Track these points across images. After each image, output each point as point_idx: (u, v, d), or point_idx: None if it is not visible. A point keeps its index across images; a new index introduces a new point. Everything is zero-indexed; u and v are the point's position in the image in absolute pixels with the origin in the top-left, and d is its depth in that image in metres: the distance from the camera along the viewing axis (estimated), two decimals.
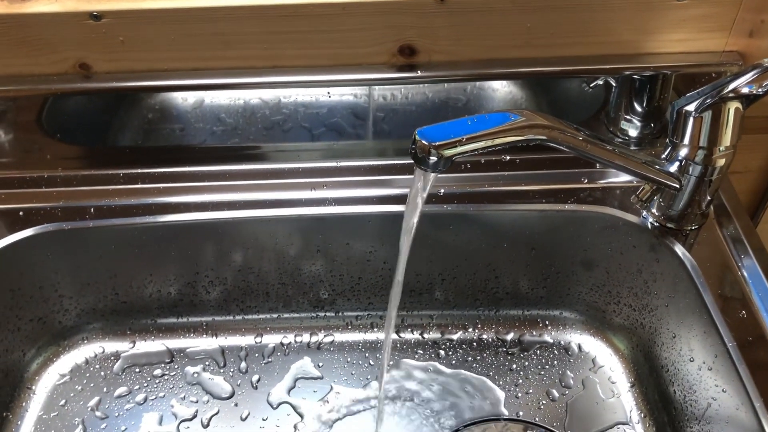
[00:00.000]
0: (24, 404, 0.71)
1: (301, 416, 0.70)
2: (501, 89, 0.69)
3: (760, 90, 0.54)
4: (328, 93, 0.67)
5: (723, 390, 0.57)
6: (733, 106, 0.56)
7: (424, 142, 0.47)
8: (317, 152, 0.72)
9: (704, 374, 0.60)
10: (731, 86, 0.54)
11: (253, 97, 0.68)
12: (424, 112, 0.70)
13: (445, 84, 0.68)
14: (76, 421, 0.70)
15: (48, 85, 0.64)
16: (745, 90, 0.54)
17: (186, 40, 0.62)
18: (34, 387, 0.72)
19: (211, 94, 0.68)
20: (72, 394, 0.72)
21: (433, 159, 0.48)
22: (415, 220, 0.54)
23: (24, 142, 0.69)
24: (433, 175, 0.50)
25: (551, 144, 0.53)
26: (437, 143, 0.47)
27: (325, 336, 0.77)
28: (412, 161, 0.50)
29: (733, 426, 0.56)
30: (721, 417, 0.58)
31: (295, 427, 0.69)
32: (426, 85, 0.67)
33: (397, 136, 0.71)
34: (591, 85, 0.68)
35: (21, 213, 0.68)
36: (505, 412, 0.70)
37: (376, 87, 0.67)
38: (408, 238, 0.56)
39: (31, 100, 0.66)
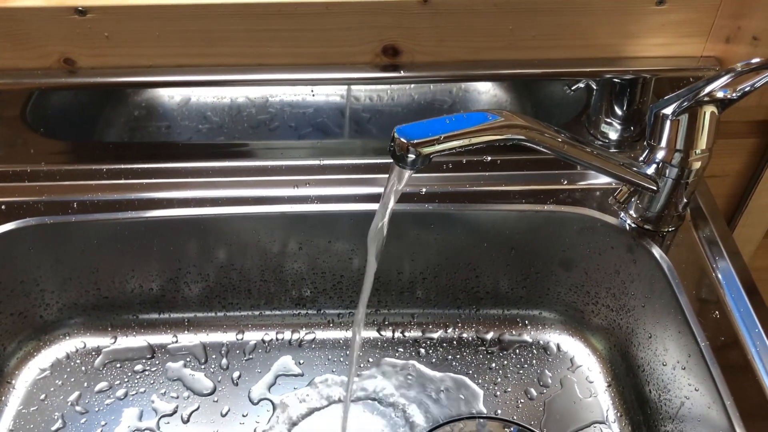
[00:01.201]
0: (3, 398, 0.71)
1: (276, 408, 0.70)
2: (486, 92, 0.69)
3: (734, 94, 0.55)
4: (312, 91, 0.68)
5: (696, 389, 0.58)
6: (709, 110, 0.57)
7: (402, 139, 0.48)
8: (301, 150, 0.72)
9: (678, 374, 0.61)
10: (707, 90, 0.55)
11: (240, 95, 0.68)
12: (410, 114, 0.70)
13: (431, 86, 0.68)
14: (55, 415, 0.70)
15: (32, 80, 0.64)
16: (720, 94, 0.55)
17: (171, 37, 0.62)
18: (13, 381, 0.72)
19: (197, 92, 0.68)
20: (52, 389, 0.72)
21: (412, 157, 0.48)
22: (387, 219, 0.54)
23: (7, 137, 0.69)
24: (408, 173, 0.50)
25: (529, 144, 0.54)
26: (416, 141, 0.48)
27: (306, 333, 0.77)
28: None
29: (705, 424, 0.57)
30: (693, 416, 0.59)
31: (268, 420, 0.69)
32: (412, 86, 0.68)
33: (381, 136, 0.72)
34: (572, 88, 0.69)
35: (3, 207, 0.68)
36: (484, 410, 0.71)
37: (363, 88, 0.68)
38: (379, 237, 0.56)
39: (14, 94, 0.66)
